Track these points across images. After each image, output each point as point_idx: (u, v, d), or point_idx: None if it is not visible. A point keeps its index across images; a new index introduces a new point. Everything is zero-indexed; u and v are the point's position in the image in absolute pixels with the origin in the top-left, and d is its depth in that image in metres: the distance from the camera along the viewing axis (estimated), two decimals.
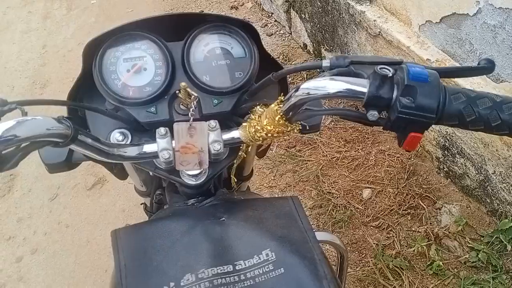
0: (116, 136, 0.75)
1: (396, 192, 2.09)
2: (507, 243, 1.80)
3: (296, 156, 2.29)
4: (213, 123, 0.71)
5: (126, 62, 0.75)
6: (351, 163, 2.23)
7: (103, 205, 2.21)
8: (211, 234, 0.64)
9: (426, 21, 1.92)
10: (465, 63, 1.81)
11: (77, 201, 2.24)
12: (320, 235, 1.10)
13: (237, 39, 0.79)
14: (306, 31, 2.78)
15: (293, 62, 2.82)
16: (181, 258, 0.62)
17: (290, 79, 2.69)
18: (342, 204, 2.07)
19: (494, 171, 1.81)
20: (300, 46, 2.92)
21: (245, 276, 0.59)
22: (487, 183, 1.87)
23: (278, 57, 2.86)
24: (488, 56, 1.69)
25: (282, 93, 0.67)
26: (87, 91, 0.78)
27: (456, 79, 1.75)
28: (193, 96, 0.70)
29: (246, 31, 0.79)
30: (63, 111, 0.76)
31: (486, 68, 0.60)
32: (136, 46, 0.76)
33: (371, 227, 2.00)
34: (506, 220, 1.82)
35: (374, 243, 1.93)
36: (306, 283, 0.58)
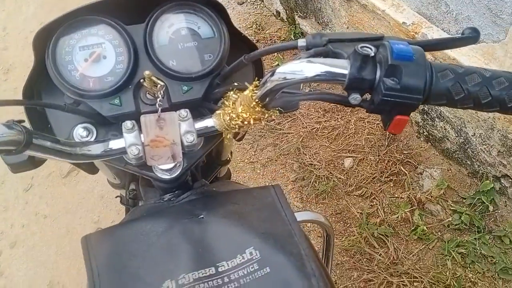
0: (79, 132, 0.69)
1: (377, 159, 2.08)
2: (488, 204, 1.83)
3: (275, 129, 2.25)
4: (184, 112, 0.65)
5: (82, 50, 0.68)
6: (331, 133, 2.20)
7: (81, 192, 2.15)
8: (190, 234, 0.60)
9: None
10: (441, 24, 1.77)
11: (53, 190, 2.17)
12: (304, 215, 1.08)
13: (204, 18, 0.73)
14: None
15: (267, 31, 2.74)
16: (159, 263, 0.58)
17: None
18: (324, 175, 2.05)
19: (474, 133, 1.80)
20: (273, 13, 2.83)
21: (229, 278, 0.56)
22: (467, 145, 1.87)
23: (251, 26, 2.77)
24: (465, 17, 1.65)
25: (256, 78, 0.62)
26: (44, 84, 0.71)
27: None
28: (159, 85, 0.64)
29: (213, 8, 0.73)
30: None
31: (471, 37, 0.56)
32: (92, 31, 0.69)
33: (355, 197, 2.00)
34: (487, 181, 1.84)
35: (358, 212, 1.93)
36: (294, 282, 0.54)
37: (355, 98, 0.52)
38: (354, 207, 1.96)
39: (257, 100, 0.60)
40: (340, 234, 1.90)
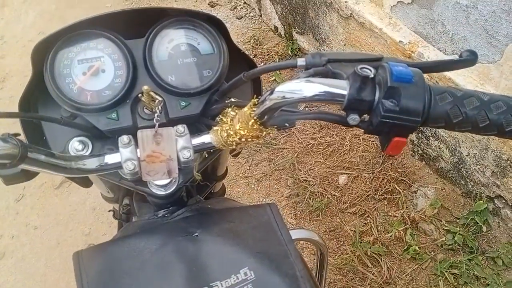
0: (75, 145, 0.69)
1: (372, 177, 2.08)
2: (482, 224, 1.83)
3: (271, 144, 2.24)
4: (181, 128, 0.65)
5: (81, 64, 0.68)
6: (327, 149, 2.20)
7: (72, 204, 2.12)
8: (184, 252, 0.59)
9: (398, 1, 1.88)
10: (437, 44, 1.79)
11: (45, 201, 2.14)
12: (298, 233, 1.07)
13: (203, 34, 0.73)
14: (277, 13, 2.71)
15: (264, 46, 2.75)
16: (152, 282, 0.57)
17: (262, 63, 2.63)
18: (318, 192, 2.05)
19: (468, 153, 1.81)
20: (271, 29, 2.85)
21: None
22: (461, 165, 1.88)
23: (249, 41, 2.79)
24: (461, 37, 1.67)
25: (255, 95, 0.62)
26: (41, 96, 0.71)
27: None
28: (157, 100, 0.63)
29: (213, 25, 0.73)
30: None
31: (469, 60, 0.57)
32: (92, 45, 0.69)
33: (348, 214, 1.99)
34: (481, 201, 1.84)
35: (351, 230, 1.92)
36: None
37: (353, 118, 0.52)
38: (348, 225, 1.95)
39: (255, 117, 0.59)
40: (333, 252, 1.89)
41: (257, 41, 2.78)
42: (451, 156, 1.90)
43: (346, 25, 2.14)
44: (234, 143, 0.64)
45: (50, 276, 1.87)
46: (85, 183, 0.88)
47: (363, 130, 0.54)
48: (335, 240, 1.92)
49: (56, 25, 3.28)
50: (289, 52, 2.62)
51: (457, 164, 1.89)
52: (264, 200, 2.08)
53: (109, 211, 1.12)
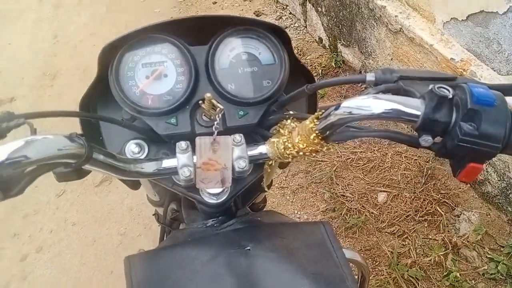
0: (131, 148, 0.69)
1: (412, 197, 2.02)
2: None
3: (309, 156, 2.21)
4: (238, 137, 0.64)
5: (145, 67, 0.68)
6: (367, 165, 2.15)
7: (111, 202, 2.15)
8: (236, 266, 0.57)
9: (451, 18, 1.83)
10: (492, 63, 1.72)
11: (85, 198, 2.18)
12: None
13: (266, 44, 0.72)
14: (322, 24, 2.69)
15: (308, 57, 2.73)
16: None
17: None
18: (356, 208, 2.00)
19: None
20: (315, 40, 2.83)
21: None
22: (509, 191, 1.79)
23: None
24: None
25: (319, 109, 0.60)
26: (101, 98, 0.71)
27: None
28: (218, 109, 0.62)
29: (276, 35, 0.72)
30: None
31: None
32: (156, 50, 0.69)
33: (386, 234, 1.93)
34: None
35: (388, 251, 1.86)
36: None
37: (426, 140, 0.49)
38: (385, 245, 1.89)
39: (317, 131, 0.57)
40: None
41: (300, 51, 2.77)
42: (499, 180, 1.82)
43: (394, 40, 2.09)
44: (290, 156, 0.62)
45: (84, 273, 1.90)
46: (135, 185, 0.88)
47: (434, 153, 0.51)
48: (370, 259, 1.87)
49: (107, 27, 3.40)
50: (333, 64, 2.59)
51: (505, 189, 1.81)
52: (299, 213, 2.05)
53: (153, 214, 1.12)
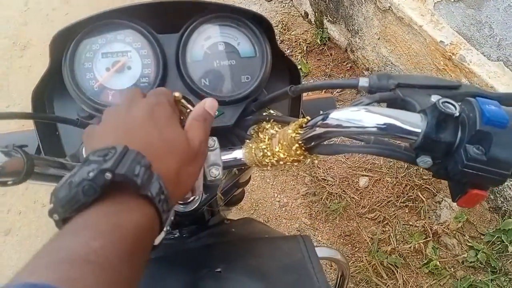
0: None
1: (394, 182, 1.97)
2: (508, 244, 1.71)
3: (290, 166, 2.14)
4: (212, 141, 0.56)
5: (105, 58, 0.59)
6: None
7: None
8: None
9: None
10: (482, 48, 1.64)
11: None
12: (321, 251, 0.98)
13: (246, 33, 0.63)
14: None
15: (292, 32, 2.62)
16: None
17: (288, 50, 2.51)
18: (337, 193, 1.95)
19: None
20: (300, 14, 2.71)
21: None
22: None
23: (277, 26, 2.66)
24: (509, 43, 1.53)
25: (303, 116, 0.52)
26: (57, 89, 0.62)
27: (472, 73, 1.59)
28: (189, 110, 0.54)
29: (258, 24, 0.63)
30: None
31: None
32: (119, 37, 0.60)
33: (366, 219, 1.89)
34: (510, 220, 1.72)
35: (368, 237, 1.83)
36: None
37: (425, 161, 0.42)
38: (365, 231, 1.86)
39: (300, 142, 0.50)
40: (347, 258, 1.80)
41: (285, 26, 2.66)
42: None
43: (382, 18, 2.00)
44: (269, 164, 0.54)
45: None
46: None
47: (431, 174, 0.44)
48: (350, 245, 1.84)
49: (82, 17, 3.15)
50: (318, 40, 2.49)
51: None
52: (278, 196, 1.99)
53: None
